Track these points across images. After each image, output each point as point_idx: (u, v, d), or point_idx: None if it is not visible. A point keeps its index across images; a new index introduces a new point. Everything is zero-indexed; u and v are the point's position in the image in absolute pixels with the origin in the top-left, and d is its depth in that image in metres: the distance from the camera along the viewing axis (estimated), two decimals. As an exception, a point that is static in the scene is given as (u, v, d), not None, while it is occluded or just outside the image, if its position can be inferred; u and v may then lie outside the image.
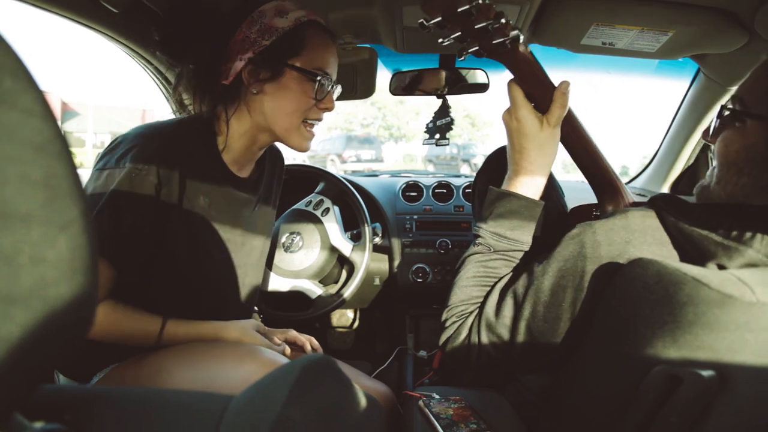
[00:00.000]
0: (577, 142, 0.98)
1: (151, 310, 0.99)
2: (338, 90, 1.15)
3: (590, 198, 1.06)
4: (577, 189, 1.08)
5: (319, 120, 1.10)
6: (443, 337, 0.93)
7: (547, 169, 0.94)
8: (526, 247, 0.94)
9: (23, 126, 0.27)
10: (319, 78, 1.02)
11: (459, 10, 0.87)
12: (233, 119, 1.05)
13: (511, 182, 0.95)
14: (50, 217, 0.27)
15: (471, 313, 0.91)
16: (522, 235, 0.93)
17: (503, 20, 0.88)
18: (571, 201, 1.19)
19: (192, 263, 1.04)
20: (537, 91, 0.94)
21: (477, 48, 0.93)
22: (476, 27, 0.89)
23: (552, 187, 1.19)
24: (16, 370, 0.27)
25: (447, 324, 0.93)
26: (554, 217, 1.12)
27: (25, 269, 0.26)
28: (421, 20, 0.91)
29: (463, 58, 0.94)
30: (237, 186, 1.12)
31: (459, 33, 0.91)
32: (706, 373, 0.51)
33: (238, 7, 1.03)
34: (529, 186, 0.94)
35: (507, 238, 0.93)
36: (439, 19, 0.90)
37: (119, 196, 0.91)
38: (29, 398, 0.30)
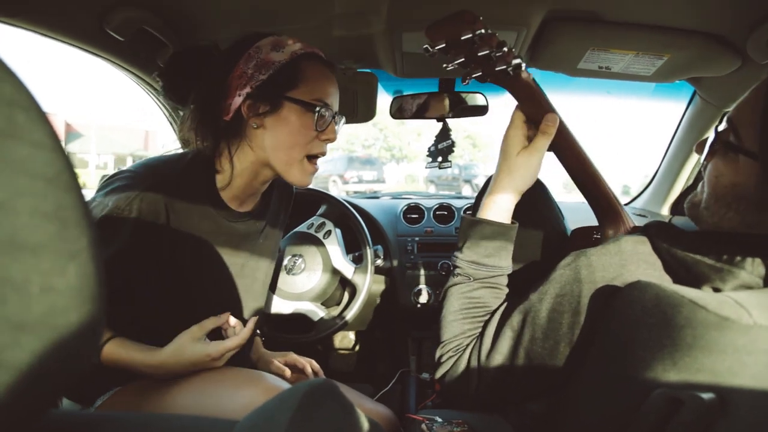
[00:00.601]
0: (578, 165, 0.99)
1: (150, 341, 0.97)
2: (342, 121, 1.14)
3: (591, 218, 1.06)
4: (579, 210, 1.08)
5: (323, 154, 1.10)
6: (439, 372, 0.92)
7: (514, 194, 0.94)
8: (507, 272, 0.94)
9: (35, 159, 0.28)
10: (318, 108, 1.03)
11: (462, 38, 0.89)
12: (236, 155, 1.06)
13: (482, 207, 0.96)
14: (60, 247, 0.28)
15: (468, 346, 0.90)
16: (499, 260, 0.93)
17: (505, 49, 0.90)
18: (573, 223, 1.20)
19: (185, 297, 1.05)
20: (538, 116, 0.95)
21: (480, 74, 0.95)
22: (479, 54, 0.91)
23: (550, 210, 1.19)
24: (25, 397, 0.28)
25: (443, 360, 0.92)
26: (554, 240, 1.13)
27: (35, 298, 0.27)
28: (426, 46, 0.93)
29: (466, 82, 0.96)
30: (236, 221, 1.12)
31: (462, 59, 0.93)
32: (706, 395, 0.51)
33: (235, 44, 1.05)
34: (498, 210, 0.94)
35: (485, 265, 0.93)
36: (443, 45, 0.92)
37: (107, 223, 0.92)
38: (37, 425, 0.31)
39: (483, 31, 0.89)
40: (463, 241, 0.96)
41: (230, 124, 1.04)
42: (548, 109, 0.94)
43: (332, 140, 1.10)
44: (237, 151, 1.06)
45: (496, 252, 0.93)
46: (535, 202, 1.14)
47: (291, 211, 1.39)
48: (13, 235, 0.26)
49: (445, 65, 0.96)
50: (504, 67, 0.91)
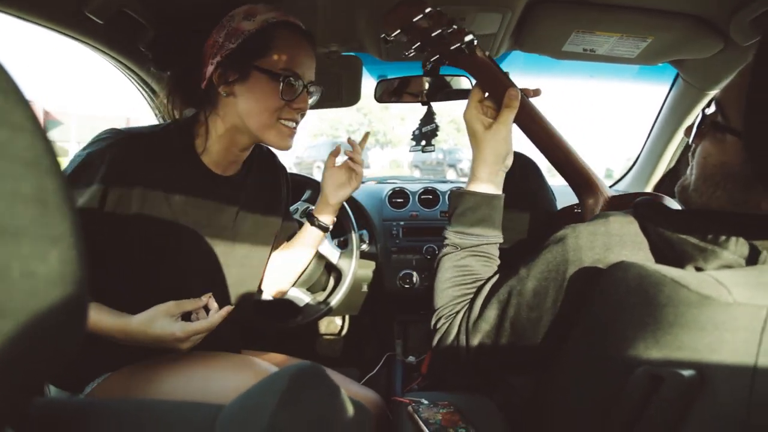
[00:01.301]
0: (547, 140, 1.00)
1: (121, 308, 0.96)
2: (316, 91, 1.14)
3: (569, 198, 1.07)
4: (568, 193, 1.09)
5: (294, 120, 1.10)
6: (434, 340, 0.95)
7: (491, 167, 0.96)
8: (494, 240, 0.96)
9: (14, 142, 0.27)
10: (284, 78, 1.02)
11: (414, 20, 0.91)
12: (210, 122, 1.07)
13: (469, 181, 0.99)
14: (41, 231, 0.28)
15: (457, 312, 0.92)
16: (485, 230, 0.95)
17: (455, 26, 0.91)
18: (562, 204, 1.21)
19: (167, 255, 1.05)
20: (498, 93, 0.96)
21: (438, 57, 0.96)
22: (433, 35, 0.92)
23: (543, 190, 1.21)
24: (7, 385, 0.27)
25: (437, 327, 0.94)
26: (544, 218, 1.14)
27: (15, 283, 0.26)
28: (383, 35, 0.94)
29: (426, 67, 0.97)
30: (217, 183, 1.12)
31: (419, 43, 0.94)
32: (687, 372, 0.53)
33: (210, 13, 1.05)
34: (483, 182, 0.96)
35: (470, 234, 0.95)
36: (398, 32, 0.93)
37: (72, 181, 0.93)
38: (22, 413, 0.31)
39: (431, 9, 0.90)
40: (451, 214, 0.98)
41: (205, 92, 1.06)
42: (508, 84, 0.96)
43: (303, 110, 1.10)
44: (211, 117, 1.07)
45: (480, 221, 0.95)
46: (527, 182, 1.16)
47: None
48: (-8, 220, 0.25)
49: (405, 53, 0.97)
50: (458, 44, 0.93)
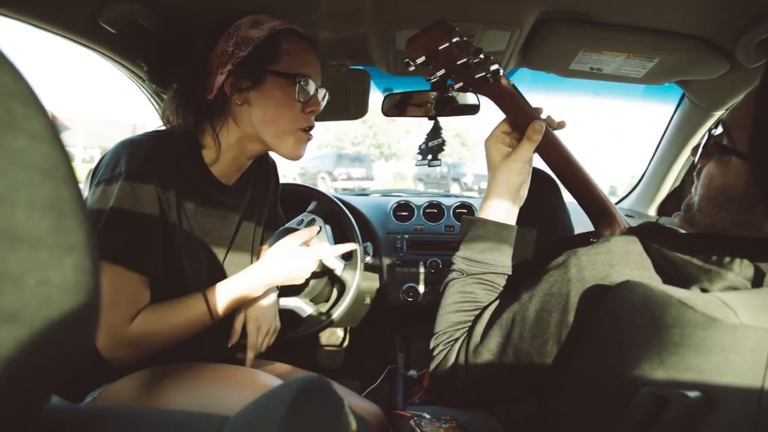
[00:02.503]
0: (567, 169, 1.00)
1: None
2: (325, 95, 1.16)
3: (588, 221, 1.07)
4: (580, 211, 1.09)
5: (311, 126, 1.11)
6: (432, 365, 0.93)
7: (505, 195, 0.96)
8: (501, 270, 0.95)
9: (33, 151, 0.28)
10: (299, 80, 1.04)
11: (440, 48, 0.91)
12: (220, 132, 1.07)
13: (481, 208, 0.98)
14: (57, 240, 0.28)
15: (457, 339, 0.91)
16: (493, 258, 0.94)
17: (482, 55, 0.92)
18: (576, 224, 1.21)
19: (183, 265, 1.05)
20: (521, 121, 0.96)
21: (461, 84, 0.96)
22: (458, 63, 0.92)
23: (561, 211, 1.20)
24: (19, 391, 0.28)
25: (435, 352, 0.93)
26: (559, 242, 1.14)
27: (30, 290, 0.27)
28: (407, 60, 0.95)
29: (450, 93, 0.98)
30: (223, 193, 1.13)
31: (443, 71, 0.95)
32: (692, 394, 0.52)
33: (215, 24, 1.06)
34: (493, 210, 0.96)
35: (477, 261, 0.94)
36: (424, 58, 0.94)
37: (124, 203, 0.92)
38: (31, 420, 0.31)
39: (459, 39, 0.90)
40: (461, 239, 0.98)
41: (214, 103, 1.05)
42: (531, 114, 0.96)
43: (316, 112, 1.11)
44: (222, 128, 1.07)
45: (489, 249, 0.94)
46: (545, 201, 1.15)
47: (281, 207, 1.39)
48: (11, 228, 0.26)
49: (427, 78, 0.98)
50: (483, 74, 0.93)
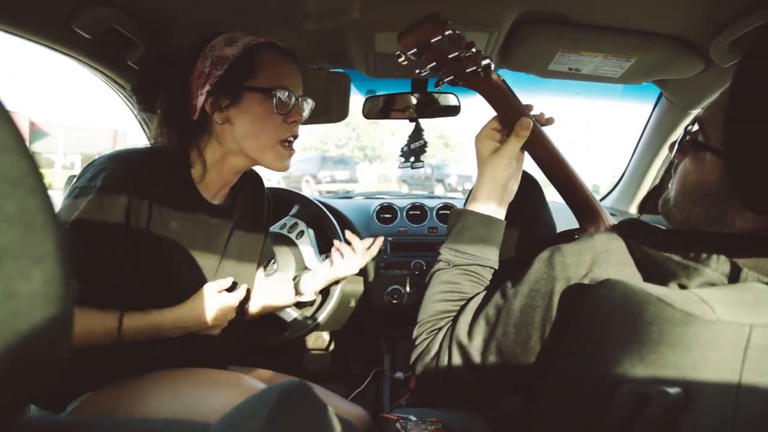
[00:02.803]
0: (554, 166, 1.01)
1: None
2: (308, 103, 1.16)
3: (573, 218, 1.08)
4: (563, 210, 1.10)
5: (294, 135, 1.11)
6: (414, 355, 0.94)
7: (492, 190, 0.97)
8: (487, 263, 0.95)
9: None
10: (276, 92, 1.04)
11: (432, 41, 0.91)
12: (206, 150, 1.08)
13: (469, 202, 0.99)
14: (25, 251, 0.27)
15: (440, 328, 0.91)
16: (479, 250, 0.94)
17: (474, 50, 0.92)
18: (558, 221, 1.22)
19: (164, 286, 1.04)
20: (509, 116, 0.97)
21: (452, 77, 0.96)
22: (450, 57, 0.93)
23: (543, 210, 1.21)
24: (-9, 404, 0.27)
25: (417, 341, 0.93)
26: (542, 240, 1.14)
27: None
28: (398, 52, 0.95)
29: (439, 87, 0.98)
30: (210, 213, 1.13)
31: (434, 63, 0.95)
32: (672, 390, 0.53)
33: (192, 46, 1.06)
34: (480, 203, 0.97)
35: (463, 252, 0.94)
36: (415, 50, 0.94)
37: (90, 216, 0.92)
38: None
39: (451, 32, 0.90)
40: (449, 231, 0.98)
41: (198, 123, 1.06)
42: (520, 110, 0.96)
43: (299, 121, 1.11)
44: (206, 146, 1.08)
45: (474, 240, 0.95)
46: (527, 200, 1.16)
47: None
48: (-24, 239, 0.25)
49: (417, 71, 0.98)
50: (474, 68, 0.93)
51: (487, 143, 0.98)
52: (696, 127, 0.77)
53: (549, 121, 1.01)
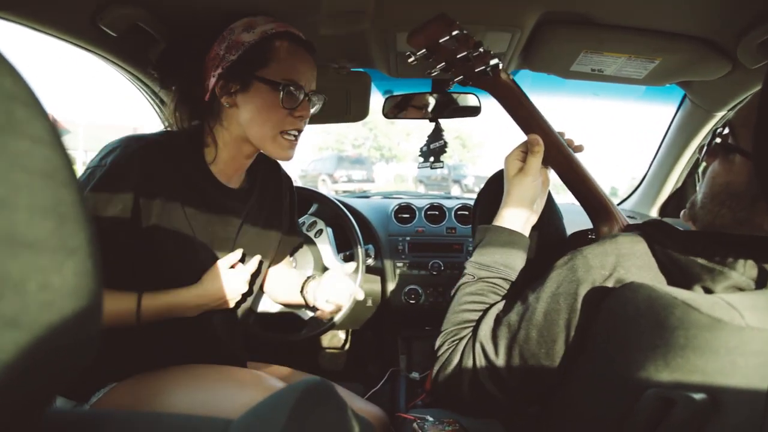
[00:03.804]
0: (566, 165, 1.00)
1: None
2: (318, 100, 1.16)
3: (586, 220, 1.07)
4: (574, 212, 1.09)
5: (298, 129, 1.11)
6: (436, 366, 0.93)
7: (518, 209, 0.99)
8: (509, 276, 0.95)
9: (34, 154, 0.28)
10: (284, 87, 1.04)
11: (441, 41, 0.92)
12: (216, 132, 1.09)
13: (495, 219, 1.01)
14: (58, 243, 0.28)
15: (462, 338, 0.90)
16: (502, 263, 0.95)
17: (482, 49, 0.92)
18: (569, 224, 1.21)
19: (178, 264, 1.06)
20: (521, 116, 0.97)
21: (461, 77, 0.97)
22: (458, 57, 0.93)
23: (552, 212, 1.21)
24: (21, 396, 0.27)
25: (440, 352, 0.92)
26: (554, 242, 1.14)
27: (32, 295, 0.26)
28: (408, 52, 0.95)
29: (449, 87, 0.98)
30: (225, 195, 1.14)
31: (443, 64, 0.95)
32: (698, 396, 0.52)
33: (210, 27, 1.07)
34: (506, 221, 0.99)
35: (486, 266, 0.95)
36: (424, 51, 0.94)
37: (99, 192, 0.93)
38: (36, 424, 0.30)
39: (459, 32, 0.91)
40: (475, 245, 1.00)
41: (208, 104, 1.08)
42: (530, 109, 0.97)
43: (305, 117, 1.12)
44: (216, 128, 1.09)
45: (498, 254, 0.96)
46: None
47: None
48: (12, 232, 0.26)
49: (428, 71, 0.98)
50: (483, 67, 0.94)
51: (515, 163, 1.00)
52: (726, 130, 0.76)
53: (579, 149, 1.03)
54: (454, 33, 0.92)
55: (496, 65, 0.95)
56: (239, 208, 1.18)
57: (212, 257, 1.11)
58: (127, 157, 0.96)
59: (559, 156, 1.00)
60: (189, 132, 1.09)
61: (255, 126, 1.06)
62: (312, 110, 1.14)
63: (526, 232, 1.00)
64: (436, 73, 1.00)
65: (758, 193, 0.69)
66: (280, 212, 1.34)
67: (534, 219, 1.02)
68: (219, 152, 1.10)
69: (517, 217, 0.98)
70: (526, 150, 1.01)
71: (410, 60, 0.98)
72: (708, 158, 0.80)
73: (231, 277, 1.09)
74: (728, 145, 0.74)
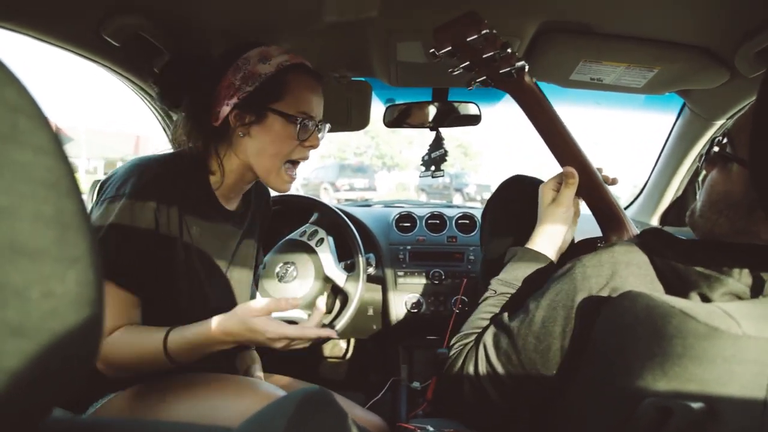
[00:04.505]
0: (581, 173, 1.01)
1: None
2: (325, 128, 1.18)
3: (593, 228, 1.07)
4: (581, 220, 1.10)
5: (305, 158, 1.14)
6: (446, 366, 0.95)
7: (554, 237, 1.02)
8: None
9: (37, 165, 0.28)
10: (300, 120, 1.06)
11: (468, 40, 0.91)
12: (224, 158, 1.10)
13: (530, 240, 1.03)
14: (60, 252, 0.28)
15: (470, 342, 0.92)
16: (523, 278, 0.97)
17: (509, 50, 0.92)
18: (578, 232, 1.21)
19: (188, 291, 1.05)
20: (542, 121, 0.97)
21: (484, 78, 0.96)
22: (484, 57, 0.93)
23: None
24: (23, 404, 0.28)
25: (450, 352, 0.95)
26: (562, 248, 1.15)
27: (35, 303, 0.27)
28: (432, 50, 0.95)
29: (471, 87, 0.98)
30: (226, 218, 1.15)
31: (468, 63, 0.95)
32: (696, 405, 0.52)
33: (225, 53, 1.08)
34: (543, 245, 1.01)
35: (508, 282, 0.98)
36: (449, 48, 0.94)
37: (122, 222, 0.93)
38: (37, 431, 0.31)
39: (488, 31, 0.90)
40: (504, 267, 1.03)
41: (218, 130, 1.08)
42: (551, 114, 0.98)
43: (315, 146, 1.14)
44: (225, 154, 1.10)
45: (520, 271, 0.98)
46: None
47: (283, 218, 1.40)
48: (14, 241, 0.26)
49: (450, 70, 0.98)
50: (508, 69, 0.93)
51: (549, 193, 1.04)
52: (725, 139, 0.77)
53: (614, 182, 1.07)
54: (483, 32, 0.91)
55: (522, 67, 0.95)
56: (236, 231, 1.20)
57: (210, 277, 1.12)
58: (145, 185, 0.97)
59: (575, 162, 1.01)
60: (193, 155, 1.09)
61: (264, 157, 1.08)
62: (320, 138, 1.16)
63: (555, 258, 1.02)
64: (458, 72, 1.00)
65: (755, 201, 0.69)
66: (261, 229, 1.37)
67: (563, 248, 1.05)
68: (225, 178, 1.11)
69: (549, 243, 1.01)
70: (560, 181, 1.03)
71: (435, 59, 0.98)
72: (707, 167, 0.81)
73: (272, 329, 0.95)
74: (726, 154, 0.75)
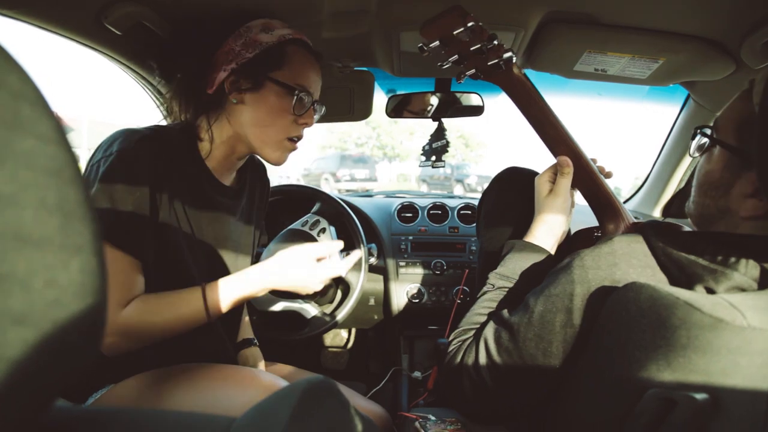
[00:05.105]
0: (576, 163, 1.01)
1: None
2: (321, 109, 1.17)
3: (590, 219, 1.07)
4: (578, 211, 1.10)
5: (299, 137, 1.12)
6: (445, 361, 0.95)
7: (553, 229, 1.02)
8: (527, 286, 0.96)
9: (40, 152, 0.28)
10: (297, 92, 1.05)
11: (455, 33, 0.91)
12: (214, 127, 1.08)
13: (528, 233, 1.04)
14: (64, 241, 0.28)
15: (470, 336, 0.93)
16: (520, 272, 0.97)
17: (496, 42, 0.92)
18: (573, 222, 1.21)
19: (181, 258, 1.04)
20: (533, 112, 0.97)
21: (474, 71, 0.96)
22: (472, 49, 0.93)
23: None
24: (26, 393, 0.28)
25: (449, 347, 0.95)
26: (566, 236, 1.15)
27: (38, 292, 0.27)
28: (421, 44, 0.95)
29: (461, 80, 0.98)
30: (221, 192, 1.13)
31: (456, 56, 0.95)
32: (699, 396, 0.52)
33: (226, 20, 1.07)
34: (542, 238, 1.02)
35: (506, 276, 0.98)
36: (437, 43, 0.94)
37: (113, 182, 0.90)
38: (40, 421, 0.31)
39: (473, 23, 0.91)
40: (501, 259, 1.03)
41: (212, 97, 1.06)
42: (541, 104, 0.97)
43: (309, 125, 1.12)
44: (216, 123, 1.08)
45: (518, 266, 0.98)
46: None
47: (285, 208, 1.39)
48: (19, 229, 0.26)
49: (440, 64, 0.98)
50: (496, 60, 0.93)
51: (546, 185, 1.04)
52: (707, 129, 0.79)
53: (608, 175, 1.07)
54: (469, 24, 0.92)
55: (510, 59, 0.95)
56: (233, 206, 1.18)
57: (210, 252, 1.11)
58: (133, 144, 0.93)
59: (568, 151, 1.01)
60: (181, 127, 1.07)
61: (258, 127, 1.06)
62: (315, 118, 1.14)
63: (553, 251, 1.02)
64: (447, 66, 1.00)
65: (730, 180, 0.72)
66: (259, 211, 1.35)
67: (561, 237, 1.05)
68: (213, 149, 1.09)
69: (548, 235, 1.01)
70: (555, 171, 1.03)
71: (423, 53, 0.97)
72: (699, 154, 0.82)
73: (307, 269, 1.02)
74: (711, 138, 0.77)
